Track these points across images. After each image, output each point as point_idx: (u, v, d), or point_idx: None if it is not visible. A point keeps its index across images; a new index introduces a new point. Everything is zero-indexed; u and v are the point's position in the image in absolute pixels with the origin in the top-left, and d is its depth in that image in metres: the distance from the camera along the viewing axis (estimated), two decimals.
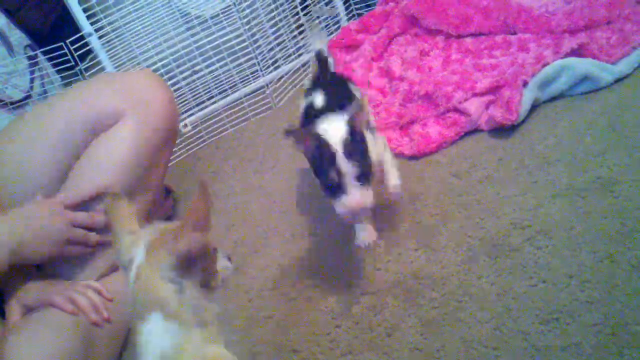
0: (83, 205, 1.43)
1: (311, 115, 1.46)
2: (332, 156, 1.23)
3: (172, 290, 0.98)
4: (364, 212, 1.29)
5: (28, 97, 2.29)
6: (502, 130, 1.76)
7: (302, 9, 2.37)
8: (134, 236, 1.05)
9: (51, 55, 2.08)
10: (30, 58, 2.35)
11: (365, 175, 1.25)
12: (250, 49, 2.24)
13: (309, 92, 1.60)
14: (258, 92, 2.34)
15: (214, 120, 2.28)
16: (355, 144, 1.25)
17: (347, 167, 1.22)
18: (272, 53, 2.34)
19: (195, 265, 0.99)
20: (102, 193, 1.41)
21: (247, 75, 2.34)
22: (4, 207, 1.43)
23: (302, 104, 1.59)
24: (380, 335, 1.35)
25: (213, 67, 2.26)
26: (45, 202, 1.39)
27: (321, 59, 1.74)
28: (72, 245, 1.40)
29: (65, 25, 2.18)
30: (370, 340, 1.35)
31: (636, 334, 1.16)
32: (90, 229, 1.43)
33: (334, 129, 1.26)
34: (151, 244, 1.01)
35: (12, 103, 2.17)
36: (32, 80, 2.33)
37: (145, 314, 0.99)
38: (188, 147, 2.23)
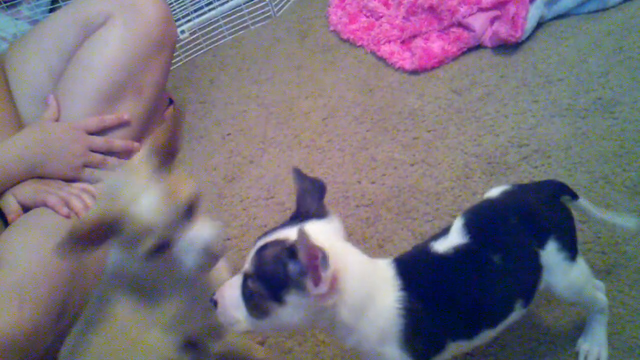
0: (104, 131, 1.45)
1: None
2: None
3: None
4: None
5: None
6: (505, 48, 1.73)
7: None
8: None
9: None
10: None
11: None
12: None
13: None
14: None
15: (212, 27, 2.23)
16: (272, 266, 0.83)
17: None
18: None
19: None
20: (125, 120, 1.45)
21: None
22: (20, 121, 1.46)
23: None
24: (372, 247, 1.37)
25: None
26: (67, 126, 1.40)
27: None
28: (90, 169, 1.42)
29: None
30: (362, 251, 1.37)
31: (625, 253, 1.19)
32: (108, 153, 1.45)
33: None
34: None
35: (5, 1, 2.12)
36: None
37: None
38: (185, 54, 2.19)
